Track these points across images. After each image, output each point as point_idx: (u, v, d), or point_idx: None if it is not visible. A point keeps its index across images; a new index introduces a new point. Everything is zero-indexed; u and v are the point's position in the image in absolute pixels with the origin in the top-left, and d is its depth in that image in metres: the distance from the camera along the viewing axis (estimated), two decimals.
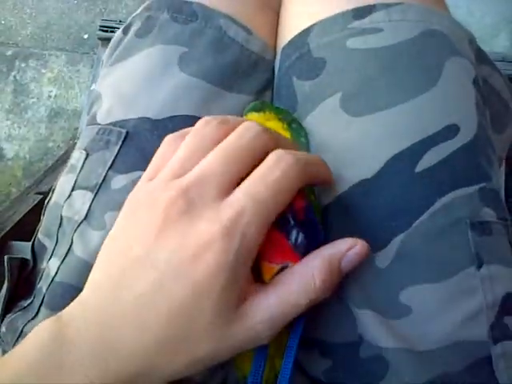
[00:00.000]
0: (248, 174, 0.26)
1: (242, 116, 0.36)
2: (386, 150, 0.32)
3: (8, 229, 0.80)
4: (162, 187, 0.26)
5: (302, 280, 0.26)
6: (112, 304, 0.25)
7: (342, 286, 0.32)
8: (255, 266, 0.27)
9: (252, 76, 0.40)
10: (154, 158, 0.30)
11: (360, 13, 0.36)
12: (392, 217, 0.31)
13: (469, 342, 0.29)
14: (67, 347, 0.24)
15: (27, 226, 0.85)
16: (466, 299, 0.30)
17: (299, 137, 0.35)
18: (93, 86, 1.04)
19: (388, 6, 0.35)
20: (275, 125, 0.35)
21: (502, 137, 0.40)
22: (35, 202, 0.88)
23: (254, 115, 0.35)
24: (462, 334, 0.29)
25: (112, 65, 0.41)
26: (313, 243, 0.28)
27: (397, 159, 0.32)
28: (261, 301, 0.26)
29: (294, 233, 0.27)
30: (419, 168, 0.32)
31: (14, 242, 0.76)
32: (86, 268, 0.34)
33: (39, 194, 0.92)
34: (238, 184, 0.26)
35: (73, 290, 0.34)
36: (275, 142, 0.27)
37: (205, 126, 0.28)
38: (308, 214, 0.28)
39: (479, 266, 0.30)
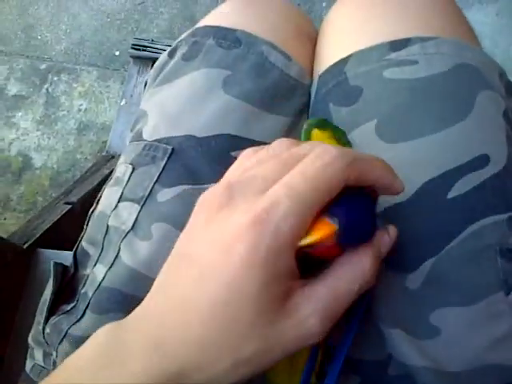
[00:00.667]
0: None
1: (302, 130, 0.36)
2: (419, 176, 0.34)
3: (38, 236, 0.83)
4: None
5: (351, 267, 0.26)
6: (162, 303, 0.25)
7: (371, 306, 0.33)
8: (303, 262, 0.25)
9: (290, 99, 0.42)
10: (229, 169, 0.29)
11: (396, 45, 0.38)
12: (424, 240, 0.33)
13: (497, 366, 0.30)
14: (120, 347, 0.25)
15: (55, 235, 0.88)
16: (494, 323, 0.31)
17: None
18: (123, 102, 1.07)
19: (423, 39, 0.37)
20: (332, 143, 0.34)
21: None
22: (63, 212, 0.91)
23: (316, 132, 0.34)
24: (490, 358, 0.30)
25: (158, 86, 0.43)
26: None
27: (430, 185, 0.33)
28: (310, 293, 0.25)
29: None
30: (451, 195, 0.33)
31: (42, 250, 0.79)
32: (133, 275, 0.36)
33: (68, 203, 0.95)
34: None
35: (119, 295, 0.36)
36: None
37: (279, 143, 0.28)
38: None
39: (507, 293, 0.31)
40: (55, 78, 1.38)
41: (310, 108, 0.43)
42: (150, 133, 0.41)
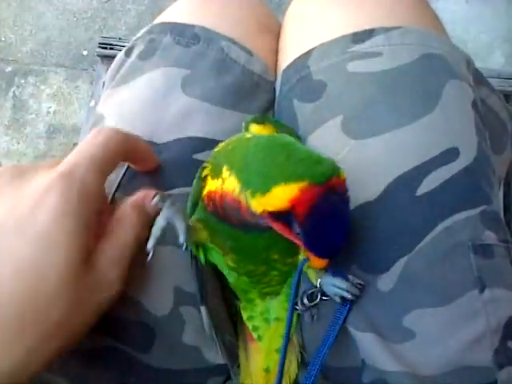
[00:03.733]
0: None
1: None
2: (388, 173, 0.32)
3: None
4: None
5: (123, 223, 0.30)
6: None
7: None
8: None
9: (254, 96, 0.40)
10: None
11: (359, 37, 0.36)
12: (394, 240, 0.32)
13: (473, 368, 0.29)
14: None
15: None
16: (469, 323, 0.30)
17: None
18: (92, 103, 1.04)
19: (387, 30, 0.36)
20: None
21: (501, 157, 0.41)
22: None
23: (253, 126, 0.35)
24: (466, 359, 0.29)
25: (115, 87, 0.41)
26: None
27: (398, 182, 0.32)
28: (100, 250, 0.28)
29: None
30: (420, 191, 0.32)
31: None
32: None
33: None
34: None
35: None
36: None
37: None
38: None
39: (482, 290, 0.30)
40: (22, 81, 1.34)
41: (275, 105, 0.42)
42: None
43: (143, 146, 0.34)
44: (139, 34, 0.43)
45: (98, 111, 0.42)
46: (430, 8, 0.41)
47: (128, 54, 0.43)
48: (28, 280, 0.23)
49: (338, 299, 0.31)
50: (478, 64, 0.40)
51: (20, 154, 1.29)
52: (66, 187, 0.25)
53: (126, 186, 0.36)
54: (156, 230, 0.29)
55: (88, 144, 0.29)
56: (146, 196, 0.32)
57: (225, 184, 0.28)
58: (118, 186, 0.36)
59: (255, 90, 0.40)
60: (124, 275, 0.28)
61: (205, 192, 0.31)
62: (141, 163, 0.35)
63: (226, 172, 0.28)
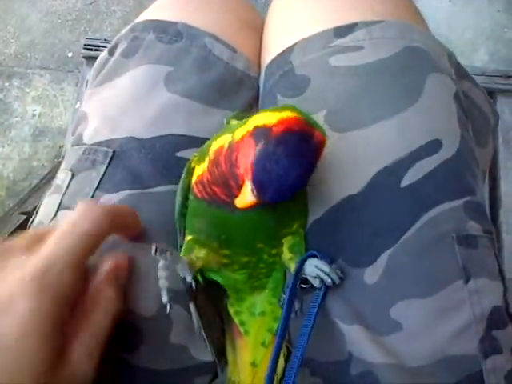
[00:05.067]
0: None
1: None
2: (371, 165, 0.32)
3: None
4: None
5: (102, 300, 0.29)
6: None
7: (328, 303, 0.32)
8: None
9: (238, 93, 0.40)
10: None
11: (341, 31, 0.36)
12: (379, 232, 0.32)
13: (459, 357, 0.29)
14: None
15: None
16: (454, 313, 0.30)
17: None
18: (77, 105, 1.03)
19: (368, 24, 0.36)
20: None
21: (484, 151, 0.41)
22: (19, 223, 0.87)
23: (233, 121, 0.35)
24: (452, 349, 0.29)
25: (98, 85, 0.41)
26: None
27: (382, 175, 0.32)
28: (79, 335, 0.27)
29: None
30: (404, 183, 0.32)
31: None
32: None
33: (23, 214, 0.91)
34: None
35: None
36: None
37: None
38: None
39: (467, 280, 0.31)
40: (6, 84, 1.33)
41: (260, 101, 0.42)
42: (90, 136, 0.38)
43: (131, 219, 0.33)
44: (122, 33, 0.43)
45: (81, 110, 0.42)
46: (412, 3, 0.42)
47: (111, 52, 0.42)
48: None
49: (317, 283, 0.31)
50: (462, 61, 0.41)
51: (5, 158, 1.28)
52: (38, 293, 0.25)
53: (104, 182, 0.36)
54: (163, 283, 0.29)
55: (67, 233, 0.28)
56: (117, 267, 0.31)
57: (214, 146, 0.30)
58: (98, 184, 0.36)
59: (238, 87, 0.40)
60: (97, 362, 0.28)
61: (193, 181, 0.31)
62: (126, 232, 0.33)
63: (212, 145, 0.30)
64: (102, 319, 0.29)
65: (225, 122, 0.36)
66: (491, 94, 0.83)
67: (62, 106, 1.29)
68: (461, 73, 0.40)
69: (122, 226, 0.32)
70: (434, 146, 0.33)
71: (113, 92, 0.40)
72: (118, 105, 0.39)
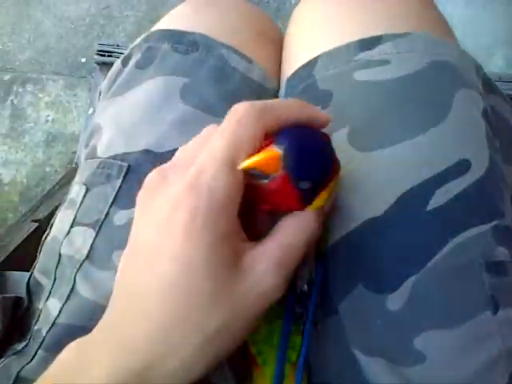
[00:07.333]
0: None
1: None
2: (395, 187, 0.31)
3: (3, 258, 0.78)
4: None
5: (296, 220, 0.26)
6: (120, 300, 0.25)
7: (347, 331, 0.30)
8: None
9: None
10: None
11: (366, 44, 0.35)
12: (403, 258, 0.30)
13: None
14: (84, 358, 0.24)
15: (23, 255, 0.84)
16: (482, 346, 0.28)
17: None
18: (90, 111, 1.03)
19: (395, 36, 0.34)
20: None
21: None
22: (31, 230, 0.86)
23: None
24: None
25: (112, 97, 0.40)
26: None
27: (407, 197, 0.31)
28: (260, 251, 0.25)
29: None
30: (430, 206, 0.30)
31: (8, 272, 0.74)
32: (95, 308, 0.32)
33: (35, 221, 0.90)
34: None
35: (79, 331, 0.32)
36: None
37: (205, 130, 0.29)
38: None
39: (495, 310, 0.29)
40: (20, 89, 1.33)
41: None
42: (104, 149, 0.37)
43: (296, 111, 0.26)
44: (136, 42, 0.42)
45: (95, 121, 0.41)
46: (439, 12, 0.40)
47: (125, 63, 0.41)
48: (175, 293, 0.23)
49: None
50: None
51: (18, 164, 1.28)
52: (192, 202, 0.23)
53: (119, 197, 0.35)
54: None
55: (216, 138, 0.25)
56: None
57: None
58: (114, 200, 0.35)
59: (255, 99, 0.39)
60: (286, 280, 0.25)
61: None
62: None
63: None
64: (295, 237, 0.25)
65: None
66: None
67: (76, 112, 1.29)
68: (488, 86, 0.38)
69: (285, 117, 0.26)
70: (462, 167, 0.31)
71: (127, 104, 0.39)
72: (132, 117, 0.38)
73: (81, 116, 1.28)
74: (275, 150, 0.24)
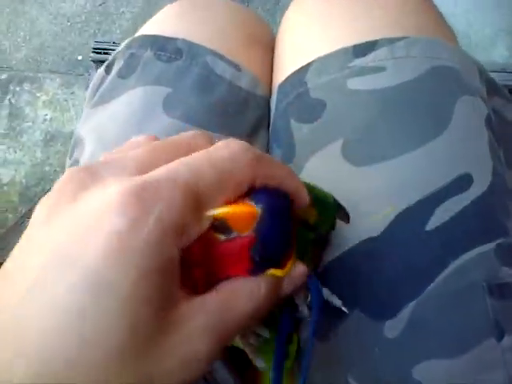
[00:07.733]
0: None
1: None
2: (393, 205, 0.29)
3: (2, 262, 0.77)
4: None
5: (245, 286, 0.20)
6: None
7: (343, 358, 0.29)
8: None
9: (242, 115, 0.37)
10: None
11: (361, 50, 0.32)
12: (401, 281, 0.28)
13: None
14: None
15: None
16: (486, 376, 0.26)
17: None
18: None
19: (391, 41, 0.32)
20: None
21: None
22: None
23: None
24: None
25: (94, 107, 0.38)
26: None
27: (405, 216, 0.28)
28: (197, 305, 0.19)
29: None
30: (430, 226, 0.28)
31: None
32: None
33: None
34: None
35: None
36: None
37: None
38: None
39: (500, 337, 0.27)
40: (17, 88, 1.31)
41: (271, 124, 0.38)
42: (87, 162, 0.36)
43: (285, 174, 0.22)
44: (119, 48, 0.40)
45: (78, 131, 0.39)
46: (438, 12, 0.37)
47: (108, 70, 0.39)
48: (73, 323, 0.16)
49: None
50: (482, 58, 0.37)
51: (17, 163, 1.27)
52: (134, 214, 0.17)
53: None
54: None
55: (205, 157, 0.20)
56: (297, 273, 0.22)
57: None
58: None
59: (243, 108, 0.37)
60: (217, 350, 0.19)
61: None
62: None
63: None
64: (240, 302, 0.20)
65: None
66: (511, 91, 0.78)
67: (73, 111, 1.28)
68: (492, 88, 0.36)
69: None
70: (463, 182, 0.29)
71: (108, 115, 0.37)
72: (114, 130, 0.36)
73: (79, 114, 1.27)
74: (254, 208, 0.20)
